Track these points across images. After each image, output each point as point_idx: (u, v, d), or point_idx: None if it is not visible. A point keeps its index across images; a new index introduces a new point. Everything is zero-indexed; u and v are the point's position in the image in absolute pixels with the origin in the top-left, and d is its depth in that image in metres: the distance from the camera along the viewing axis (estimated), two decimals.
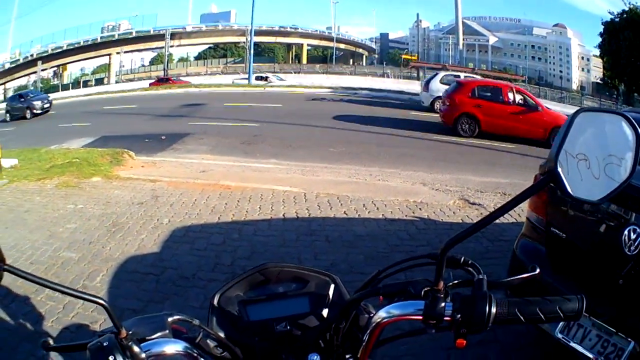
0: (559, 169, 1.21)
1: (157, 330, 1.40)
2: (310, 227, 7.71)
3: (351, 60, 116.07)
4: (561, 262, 3.98)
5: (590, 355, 3.27)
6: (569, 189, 1.20)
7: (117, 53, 79.41)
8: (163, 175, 11.31)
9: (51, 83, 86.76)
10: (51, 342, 1.36)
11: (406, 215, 8.48)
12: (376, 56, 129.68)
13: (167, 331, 1.41)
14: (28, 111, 32.75)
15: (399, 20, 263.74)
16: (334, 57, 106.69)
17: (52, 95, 49.27)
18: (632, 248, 3.24)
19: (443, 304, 1.24)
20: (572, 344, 3.39)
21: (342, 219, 8.21)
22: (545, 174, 1.24)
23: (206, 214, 8.28)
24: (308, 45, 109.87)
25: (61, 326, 4.58)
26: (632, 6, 37.44)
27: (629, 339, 3.11)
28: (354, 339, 1.44)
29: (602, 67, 62.51)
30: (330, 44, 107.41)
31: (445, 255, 1.27)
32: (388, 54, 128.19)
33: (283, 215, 8.32)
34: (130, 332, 1.30)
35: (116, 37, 79.77)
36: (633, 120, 1.20)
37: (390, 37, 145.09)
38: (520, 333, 4.58)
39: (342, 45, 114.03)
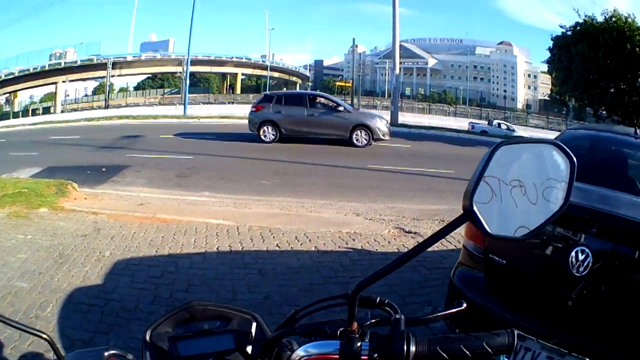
0: (475, 208, 1.17)
1: None
2: (243, 260, 7.77)
3: (285, 89, 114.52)
4: (503, 288, 3.95)
5: None
6: (486, 228, 1.17)
7: (63, 82, 77.33)
8: (104, 208, 11.33)
9: (3, 110, 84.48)
10: None
11: (339, 247, 8.52)
12: (309, 84, 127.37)
13: None
14: None
15: (335, 46, 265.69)
16: (267, 86, 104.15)
17: (3, 123, 48.04)
18: (581, 269, 3.27)
19: (359, 344, 1.25)
20: None
21: (275, 252, 8.25)
22: (462, 212, 1.20)
23: (144, 247, 8.36)
24: (242, 74, 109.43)
25: (19, 354, 4.67)
26: (587, 18, 36.71)
27: (586, 358, 3.07)
28: None
29: (550, 83, 61.58)
30: (265, 73, 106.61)
31: (356, 297, 1.28)
32: (322, 82, 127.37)
33: (217, 248, 8.37)
34: None
35: (63, 65, 77.58)
36: (565, 148, 1.20)
37: (326, 63, 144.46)
38: None
39: (276, 74, 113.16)
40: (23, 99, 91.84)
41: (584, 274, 3.27)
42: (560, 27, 39.57)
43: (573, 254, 3.32)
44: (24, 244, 8.52)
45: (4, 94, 79.20)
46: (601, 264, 3.27)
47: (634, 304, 3.19)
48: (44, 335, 1.37)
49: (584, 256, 3.28)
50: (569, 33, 38.46)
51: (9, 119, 65.27)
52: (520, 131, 53.11)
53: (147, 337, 1.60)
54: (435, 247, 8.06)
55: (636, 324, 3.16)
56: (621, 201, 4.22)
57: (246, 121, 27.42)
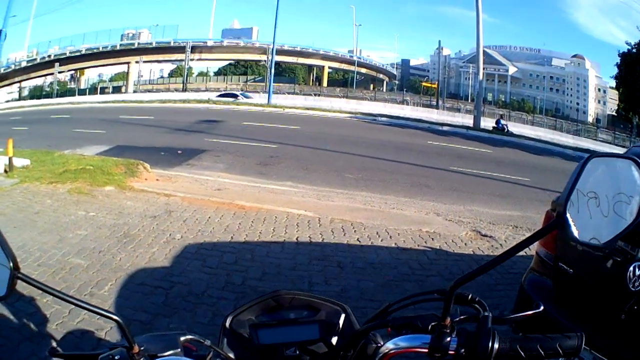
0: (568, 214, 1.25)
1: (168, 348, 1.44)
2: (322, 252, 7.74)
3: (372, 85, 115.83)
4: (568, 296, 4.07)
5: None
6: (575, 234, 1.25)
7: (136, 62, 79.18)
8: (178, 191, 11.38)
9: (68, 86, 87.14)
10: (59, 349, 1.42)
11: (418, 245, 8.54)
12: (396, 82, 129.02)
13: (179, 349, 1.45)
14: None
15: (420, 47, 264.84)
16: (354, 81, 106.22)
17: (68, 99, 49.48)
18: (637, 284, 3.29)
19: (449, 339, 1.31)
20: None
21: (355, 246, 8.25)
22: (555, 217, 1.27)
23: (219, 233, 8.31)
24: (329, 67, 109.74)
25: (65, 331, 4.63)
26: None
27: None
28: None
29: (617, 98, 62.07)
30: (352, 68, 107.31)
31: (453, 293, 1.34)
32: (408, 81, 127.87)
33: (296, 238, 8.34)
34: (142, 348, 1.37)
35: (136, 45, 79.80)
36: None
37: (412, 63, 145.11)
38: None
39: (363, 70, 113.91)
40: (90, 76, 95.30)
41: (638, 289, 3.31)
42: (626, 43, 40.58)
43: (631, 268, 3.38)
44: (84, 221, 8.52)
45: (69, 70, 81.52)
46: None
47: None
48: (115, 317, 1.33)
49: None
50: (634, 50, 39.17)
51: (74, 95, 67.29)
52: (590, 145, 52.31)
53: (227, 324, 1.67)
54: None
55: None
56: None
57: (332, 114, 27.71)
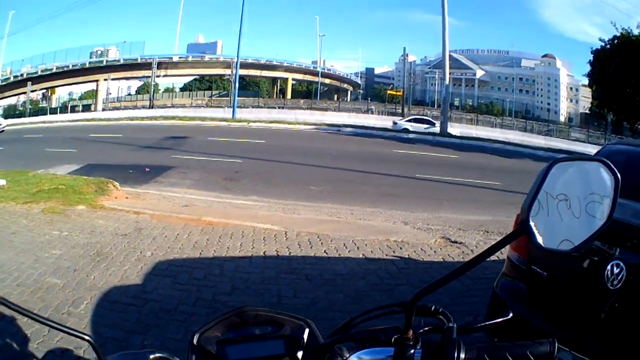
0: (531, 222, 1.22)
1: None
2: (290, 265, 7.73)
3: (335, 96, 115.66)
4: (543, 300, 4.04)
5: None
6: (539, 242, 1.22)
7: (105, 80, 78.50)
8: (146, 208, 11.34)
9: (40, 105, 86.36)
10: None
11: (386, 255, 8.51)
12: (361, 91, 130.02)
13: None
14: None
15: (386, 55, 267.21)
16: (318, 92, 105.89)
17: (41, 118, 49.01)
18: (615, 282, 3.32)
19: (412, 351, 1.28)
20: None
21: (323, 258, 8.23)
22: (519, 225, 1.25)
23: (188, 249, 8.30)
24: (293, 79, 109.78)
25: (46, 349, 4.57)
26: (623, 31, 37.30)
27: None
28: None
29: (590, 96, 61.75)
30: (315, 79, 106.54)
31: (414, 305, 1.31)
32: (373, 89, 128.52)
33: (264, 252, 8.32)
34: None
35: (104, 63, 79.09)
36: (611, 164, 1.25)
37: (377, 71, 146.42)
38: None
39: (327, 80, 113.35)
40: (61, 95, 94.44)
41: (617, 287, 3.33)
42: (600, 40, 40.32)
43: (609, 267, 3.39)
44: (58, 241, 8.48)
45: (41, 89, 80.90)
46: (633, 278, 3.31)
47: None
48: (86, 337, 1.33)
49: (618, 270, 3.35)
50: (607, 47, 39.00)
51: (45, 114, 66.75)
52: (562, 145, 52.57)
53: (195, 341, 1.62)
54: None
55: None
56: None
57: (296, 126, 27.79)
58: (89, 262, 7.43)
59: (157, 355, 1.55)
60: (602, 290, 3.37)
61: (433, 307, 1.42)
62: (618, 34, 38.13)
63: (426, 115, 66.44)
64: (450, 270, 1.27)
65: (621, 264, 3.33)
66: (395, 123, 49.62)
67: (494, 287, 4.53)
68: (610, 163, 1.25)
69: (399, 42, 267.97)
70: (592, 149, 32.21)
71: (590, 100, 67.51)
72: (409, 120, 50.90)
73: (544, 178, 1.24)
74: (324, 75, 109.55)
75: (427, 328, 1.40)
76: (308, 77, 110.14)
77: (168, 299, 6.18)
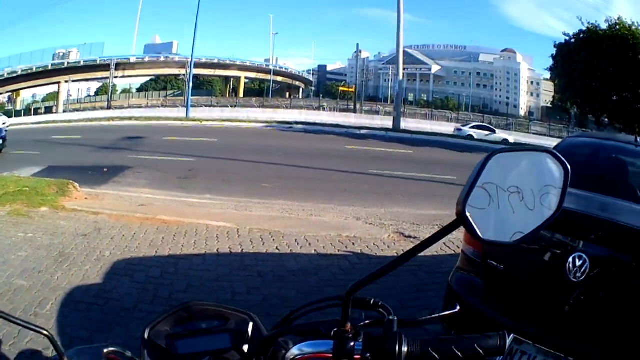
0: (468, 213, 1.18)
1: None
2: (243, 263, 7.77)
3: (287, 93, 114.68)
4: (500, 293, 3.96)
5: None
6: (478, 232, 1.18)
7: (66, 82, 76.81)
8: (105, 208, 11.37)
9: (5, 108, 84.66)
10: None
11: (339, 251, 8.58)
12: (313, 89, 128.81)
13: None
14: None
15: (339, 51, 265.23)
16: (270, 90, 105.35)
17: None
18: (579, 274, 3.26)
19: (352, 344, 1.27)
20: None
21: (275, 255, 8.29)
22: (456, 217, 1.20)
23: (145, 248, 8.39)
24: (246, 78, 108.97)
25: (17, 351, 4.67)
26: (590, 26, 37.20)
27: None
28: None
29: (553, 90, 61.07)
30: (268, 77, 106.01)
31: (350, 298, 1.31)
32: (325, 86, 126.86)
33: (217, 250, 8.41)
34: None
35: (66, 65, 77.18)
36: (560, 155, 1.22)
37: (329, 68, 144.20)
38: None
39: (279, 78, 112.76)
40: (26, 97, 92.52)
41: (581, 279, 3.27)
42: (564, 34, 39.84)
43: (570, 259, 3.32)
44: (24, 243, 8.53)
45: (7, 92, 79.27)
46: (598, 270, 3.26)
47: (629, 310, 3.21)
48: (45, 332, 1.40)
49: (581, 262, 3.28)
50: (572, 41, 38.59)
51: (11, 117, 65.49)
52: (522, 138, 52.72)
53: (146, 335, 1.65)
54: (434, 251, 8.21)
55: (631, 329, 3.17)
56: (620, 208, 4.24)
57: (248, 124, 27.69)
58: (52, 263, 7.48)
59: (111, 349, 1.60)
60: (564, 283, 3.34)
61: (372, 301, 1.44)
62: (584, 29, 37.93)
63: (379, 112, 66.53)
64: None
65: (584, 256, 3.29)
66: (459, 129, 48.96)
67: (449, 281, 4.43)
68: (557, 154, 1.23)
69: (352, 39, 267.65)
70: (553, 142, 32.54)
71: (552, 94, 67.34)
72: (473, 127, 50.30)
73: (481, 170, 1.21)
74: (276, 73, 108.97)
75: (367, 322, 1.39)
76: (261, 76, 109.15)
77: (127, 297, 6.28)
